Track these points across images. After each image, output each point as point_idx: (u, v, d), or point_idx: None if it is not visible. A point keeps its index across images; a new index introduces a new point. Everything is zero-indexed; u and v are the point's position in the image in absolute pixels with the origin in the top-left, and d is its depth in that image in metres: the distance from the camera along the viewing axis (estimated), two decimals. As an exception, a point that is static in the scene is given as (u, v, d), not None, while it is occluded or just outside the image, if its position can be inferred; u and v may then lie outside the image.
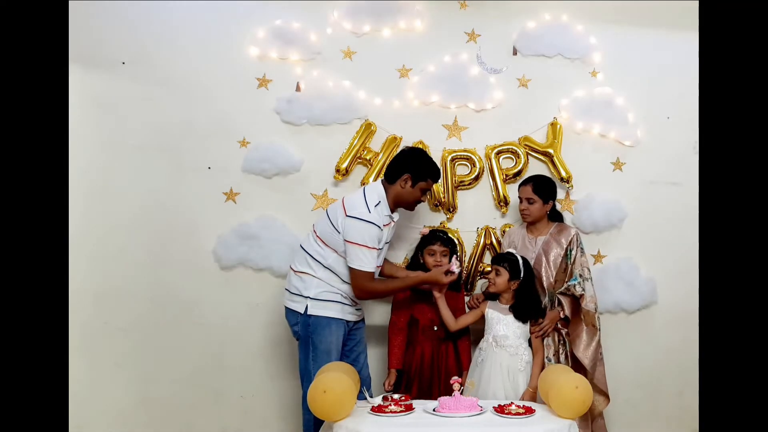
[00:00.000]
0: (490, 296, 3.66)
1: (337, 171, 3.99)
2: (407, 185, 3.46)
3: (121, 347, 3.98)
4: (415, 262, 3.77)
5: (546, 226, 3.81)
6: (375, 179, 3.97)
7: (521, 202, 3.78)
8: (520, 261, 3.57)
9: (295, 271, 3.50)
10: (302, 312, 3.41)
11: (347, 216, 3.37)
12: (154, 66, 4.00)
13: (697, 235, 2.64)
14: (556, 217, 3.86)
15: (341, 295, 3.44)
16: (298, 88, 4.06)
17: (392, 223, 3.52)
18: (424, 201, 3.64)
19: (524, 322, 3.53)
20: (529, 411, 2.93)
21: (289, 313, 3.50)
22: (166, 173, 4.00)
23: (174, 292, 4.00)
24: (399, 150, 3.80)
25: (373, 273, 3.40)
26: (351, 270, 3.38)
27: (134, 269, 3.99)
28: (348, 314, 3.48)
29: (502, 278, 3.54)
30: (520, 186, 3.82)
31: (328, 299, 3.41)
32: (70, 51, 2.74)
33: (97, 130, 3.94)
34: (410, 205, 3.58)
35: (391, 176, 3.50)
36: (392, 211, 3.51)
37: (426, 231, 3.79)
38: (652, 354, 4.15)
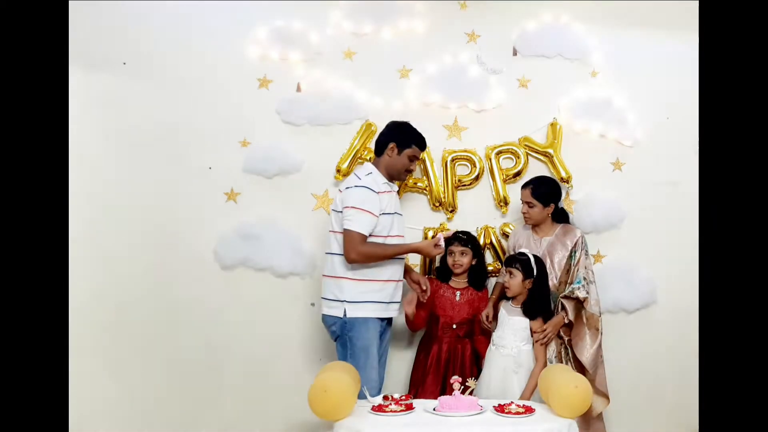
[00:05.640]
0: (504, 296, 3.65)
1: (338, 171, 4.00)
2: (394, 153, 3.55)
3: (122, 347, 3.97)
4: (444, 265, 3.84)
5: (551, 228, 3.80)
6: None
7: (522, 204, 3.77)
8: (532, 259, 3.55)
9: (329, 276, 3.50)
10: (341, 316, 3.42)
11: (342, 192, 3.47)
12: (154, 66, 4.00)
13: (696, 235, 2.64)
14: (561, 218, 3.84)
15: (374, 291, 3.44)
16: (298, 89, 4.07)
17: (392, 192, 3.57)
18: (413, 170, 3.67)
19: (532, 318, 3.51)
20: (529, 410, 2.94)
21: (326, 316, 3.51)
22: (167, 173, 4.00)
23: (174, 292, 4.00)
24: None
25: (366, 236, 3.39)
26: (344, 232, 3.39)
27: (135, 269, 3.99)
28: (383, 311, 3.49)
29: (516, 279, 3.52)
30: (521, 188, 3.80)
31: (364, 300, 3.42)
32: (70, 51, 2.74)
33: (98, 131, 3.94)
34: (401, 174, 3.63)
35: (378, 149, 3.61)
36: (389, 181, 3.58)
37: (450, 233, 3.77)
38: (651, 353, 4.15)
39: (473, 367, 3.74)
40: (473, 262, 3.80)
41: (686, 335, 3.92)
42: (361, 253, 3.38)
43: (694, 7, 2.78)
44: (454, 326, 3.73)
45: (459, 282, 3.81)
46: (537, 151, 4.10)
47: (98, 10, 3.93)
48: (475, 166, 4.08)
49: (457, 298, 3.76)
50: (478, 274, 3.84)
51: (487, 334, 3.76)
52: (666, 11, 4.12)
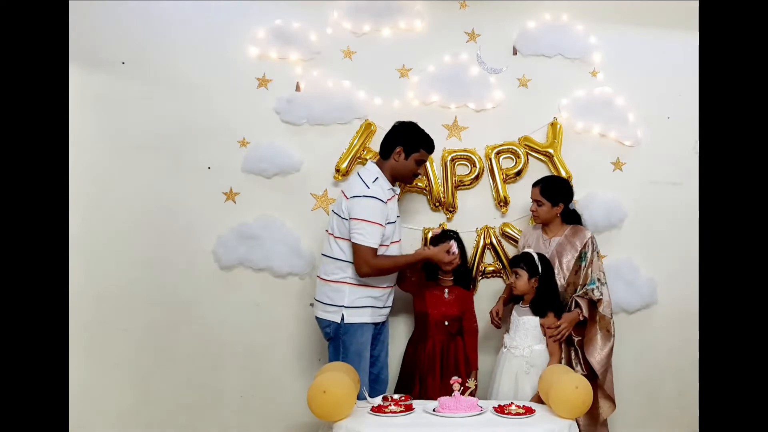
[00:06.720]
0: (514, 299, 3.65)
1: (337, 171, 3.99)
2: (401, 158, 3.47)
3: (121, 347, 3.98)
4: (427, 263, 3.76)
5: (560, 228, 3.77)
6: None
7: (532, 202, 3.76)
8: (536, 257, 3.54)
9: (326, 280, 3.46)
10: (338, 321, 3.40)
11: (348, 199, 3.38)
12: (153, 66, 4.00)
13: (697, 235, 2.64)
14: (572, 219, 3.80)
15: (372, 297, 3.43)
16: (297, 88, 4.06)
17: (395, 196, 3.52)
18: (420, 173, 3.62)
19: (542, 315, 3.50)
20: (529, 411, 2.94)
21: (322, 320, 3.49)
22: (165, 173, 4.00)
23: (174, 293, 4.00)
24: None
25: (376, 249, 3.34)
26: (354, 246, 3.34)
27: (134, 269, 3.98)
28: (377, 316, 3.49)
29: (522, 279, 3.50)
30: (532, 186, 3.78)
31: (362, 305, 3.41)
32: (70, 51, 2.74)
33: (97, 130, 3.94)
34: (407, 178, 3.58)
35: (384, 151, 3.52)
36: (392, 184, 3.52)
37: (438, 231, 3.81)
38: (652, 354, 4.15)
39: (467, 364, 3.73)
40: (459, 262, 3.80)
41: (687, 335, 3.91)
42: (374, 266, 3.34)
43: (694, 7, 2.77)
44: (447, 323, 3.72)
45: (446, 281, 3.78)
46: (537, 151, 4.09)
47: (98, 9, 3.93)
48: (475, 166, 4.07)
49: (446, 296, 3.75)
50: (463, 275, 3.82)
51: (474, 335, 3.79)
52: (666, 11, 4.12)
